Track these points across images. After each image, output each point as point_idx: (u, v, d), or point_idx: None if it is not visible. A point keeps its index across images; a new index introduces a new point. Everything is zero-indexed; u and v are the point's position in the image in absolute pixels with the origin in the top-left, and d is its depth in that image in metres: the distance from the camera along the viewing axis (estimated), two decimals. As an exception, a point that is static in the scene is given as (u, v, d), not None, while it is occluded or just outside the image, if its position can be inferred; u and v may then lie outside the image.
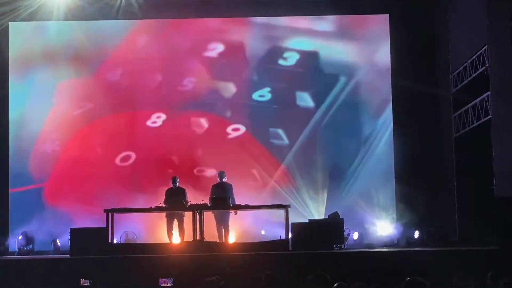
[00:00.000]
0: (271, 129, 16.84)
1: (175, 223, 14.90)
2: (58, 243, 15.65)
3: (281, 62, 16.94)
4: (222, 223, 14.85)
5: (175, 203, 14.71)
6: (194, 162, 16.73)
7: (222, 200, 14.56)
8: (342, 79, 16.89)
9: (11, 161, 16.74)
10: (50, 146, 16.78)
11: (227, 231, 14.82)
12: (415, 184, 16.19)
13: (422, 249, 14.21)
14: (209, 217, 14.75)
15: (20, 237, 15.87)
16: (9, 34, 16.92)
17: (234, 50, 16.98)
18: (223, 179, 15.12)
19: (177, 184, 15.09)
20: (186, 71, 16.98)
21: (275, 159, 16.73)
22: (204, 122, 16.88)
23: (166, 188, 15.15)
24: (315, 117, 16.81)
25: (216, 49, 17.05)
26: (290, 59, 16.99)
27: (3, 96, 16.84)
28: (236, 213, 14.83)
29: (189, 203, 14.58)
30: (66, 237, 14.53)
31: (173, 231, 14.90)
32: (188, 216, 14.61)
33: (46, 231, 15.98)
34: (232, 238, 15.05)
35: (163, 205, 14.66)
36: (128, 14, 16.60)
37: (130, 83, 16.94)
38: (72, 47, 16.90)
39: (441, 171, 16.62)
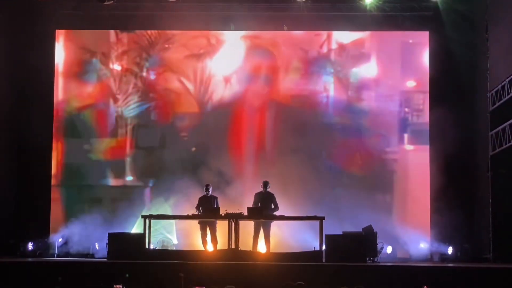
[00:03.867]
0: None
1: (208, 230, 15.11)
2: (97, 247, 15.89)
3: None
4: (264, 232, 14.95)
5: (208, 210, 14.91)
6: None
7: (257, 210, 14.74)
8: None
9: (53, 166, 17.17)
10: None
11: (267, 240, 14.95)
12: (450, 201, 16.23)
13: (456, 265, 14.20)
14: (249, 225, 15.00)
15: (60, 240, 16.17)
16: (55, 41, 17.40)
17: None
18: (267, 189, 15.30)
19: (210, 192, 15.30)
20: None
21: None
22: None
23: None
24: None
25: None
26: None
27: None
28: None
29: (225, 212, 14.73)
30: (105, 241, 14.76)
31: (206, 239, 15.12)
32: (221, 224, 14.81)
33: (85, 234, 16.18)
34: (265, 247, 15.15)
35: (197, 213, 14.87)
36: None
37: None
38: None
39: (476, 188, 16.62)
